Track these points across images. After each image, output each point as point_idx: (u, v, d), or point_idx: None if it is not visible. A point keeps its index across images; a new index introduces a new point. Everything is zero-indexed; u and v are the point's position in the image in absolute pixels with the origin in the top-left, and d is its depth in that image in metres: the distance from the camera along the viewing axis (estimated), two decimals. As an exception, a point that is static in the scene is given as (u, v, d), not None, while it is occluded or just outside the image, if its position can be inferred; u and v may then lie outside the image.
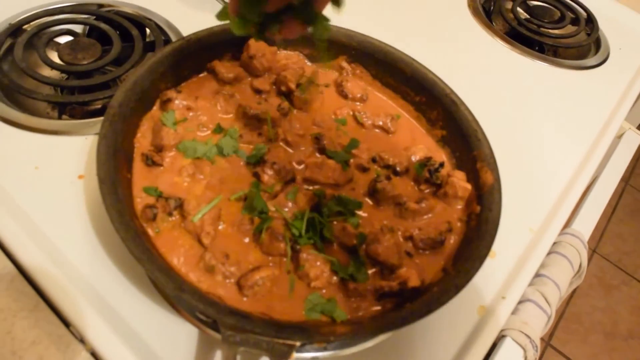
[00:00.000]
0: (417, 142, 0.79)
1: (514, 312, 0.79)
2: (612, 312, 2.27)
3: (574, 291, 2.29)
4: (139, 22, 0.97)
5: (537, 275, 0.88)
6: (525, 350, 0.76)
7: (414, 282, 0.61)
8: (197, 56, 0.79)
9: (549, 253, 0.93)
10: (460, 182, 0.70)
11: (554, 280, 0.87)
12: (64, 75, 0.90)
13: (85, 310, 0.61)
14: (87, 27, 0.98)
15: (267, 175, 0.67)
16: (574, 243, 0.94)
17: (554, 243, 0.94)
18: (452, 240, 0.68)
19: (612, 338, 2.19)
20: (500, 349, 0.74)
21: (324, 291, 0.62)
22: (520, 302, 0.81)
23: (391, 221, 0.69)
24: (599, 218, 1.01)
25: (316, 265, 0.61)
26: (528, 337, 0.76)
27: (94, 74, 0.87)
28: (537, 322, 0.80)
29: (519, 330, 0.76)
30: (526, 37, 1.20)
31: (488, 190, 0.69)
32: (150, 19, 0.98)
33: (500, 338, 0.76)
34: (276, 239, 0.61)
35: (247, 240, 0.64)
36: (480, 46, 1.15)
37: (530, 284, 0.85)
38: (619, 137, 1.21)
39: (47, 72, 0.88)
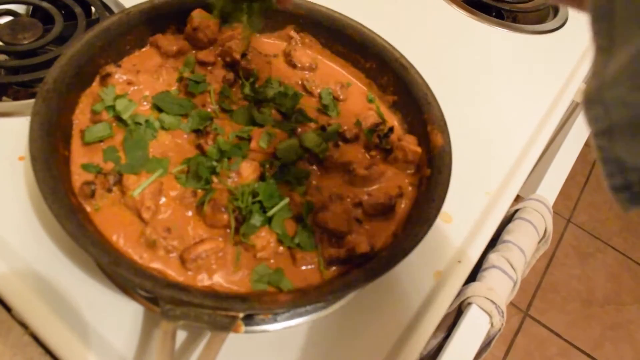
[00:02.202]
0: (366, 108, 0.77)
1: (479, 279, 0.79)
2: (588, 279, 2.30)
3: (550, 260, 2.31)
4: (84, 0, 0.94)
5: (502, 241, 0.87)
6: (491, 317, 0.75)
7: (363, 248, 0.60)
8: (138, 30, 0.76)
9: (514, 219, 0.93)
10: (410, 145, 0.69)
11: (519, 246, 0.86)
12: (3, 56, 0.86)
13: (24, 294, 0.60)
14: (30, 7, 0.94)
15: (209, 145, 0.65)
16: (539, 208, 0.94)
17: (519, 209, 0.94)
18: (404, 205, 0.67)
19: (588, 305, 2.21)
20: (466, 317, 0.73)
21: (271, 261, 0.60)
22: (485, 269, 0.80)
23: (341, 188, 0.67)
24: (573, 188, 1.01)
25: (261, 235, 0.60)
26: (494, 303, 0.76)
27: (36, 53, 0.84)
28: (502, 288, 0.79)
29: (484, 297, 0.76)
30: (484, 3, 1.19)
31: (438, 152, 0.68)
32: (95, -3, 0.95)
33: (466, 305, 0.75)
34: (219, 211, 0.60)
35: (190, 213, 0.62)
36: (438, 14, 1.14)
37: (495, 250, 0.85)
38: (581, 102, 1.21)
39: (-14, 54, 0.86)
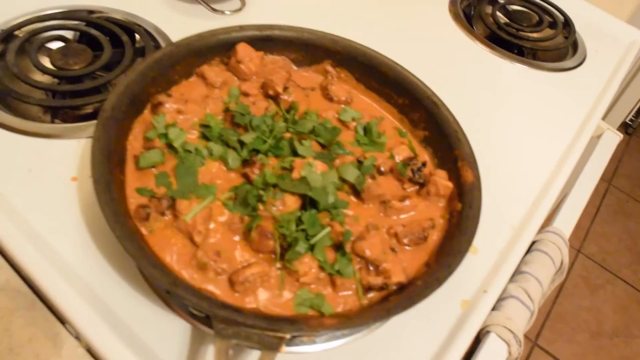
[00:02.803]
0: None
1: (497, 308, 0.82)
2: (598, 311, 2.31)
3: (559, 291, 2.33)
4: (129, 28, 0.99)
5: (520, 272, 0.90)
6: (509, 345, 0.78)
7: (398, 276, 0.64)
8: (186, 61, 0.81)
9: (531, 250, 0.96)
10: (442, 180, 0.73)
11: (536, 277, 0.89)
12: (55, 80, 0.91)
13: (80, 308, 0.63)
14: (78, 33, 0.99)
15: (256, 175, 0.69)
16: (555, 240, 0.97)
17: (536, 241, 0.97)
18: (435, 237, 0.71)
19: (597, 337, 2.22)
20: (485, 345, 0.76)
21: (312, 286, 0.64)
22: (503, 299, 0.83)
23: (376, 218, 0.71)
24: (583, 219, 1.04)
25: (304, 261, 0.63)
26: (512, 332, 0.79)
27: (85, 79, 0.89)
28: (520, 318, 0.82)
29: (502, 326, 0.79)
30: (506, 40, 1.24)
31: (469, 188, 0.72)
32: (139, 25, 1.00)
33: (484, 334, 0.78)
34: (265, 237, 0.64)
35: (237, 238, 0.66)
36: (461, 50, 1.18)
37: (513, 281, 0.88)
38: (598, 137, 1.25)
39: (38, 77, 0.90)
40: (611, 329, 2.25)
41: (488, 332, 0.78)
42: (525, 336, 2.10)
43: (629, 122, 3.08)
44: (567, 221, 1.02)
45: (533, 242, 0.97)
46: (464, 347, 0.69)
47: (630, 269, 2.48)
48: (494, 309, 0.82)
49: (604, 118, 1.17)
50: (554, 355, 2.12)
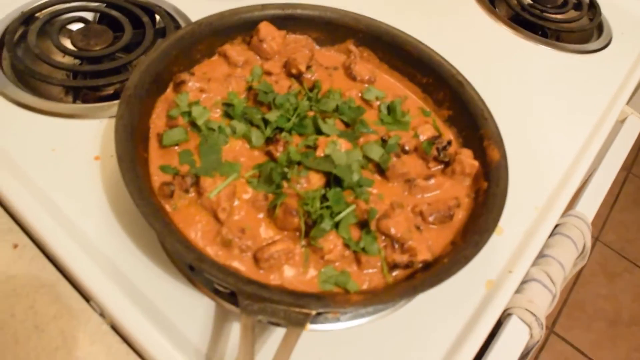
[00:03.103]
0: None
1: (519, 291, 0.81)
2: (615, 299, 2.29)
3: (576, 278, 2.31)
4: (149, 8, 0.98)
5: (542, 255, 0.89)
6: (531, 328, 0.77)
7: (424, 255, 0.63)
8: (208, 40, 0.80)
9: (554, 234, 0.95)
10: (467, 159, 0.72)
11: (559, 260, 0.88)
12: (77, 61, 0.91)
13: (104, 285, 0.63)
14: (98, 15, 0.99)
15: (280, 152, 0.69)
16: (578, 224, 0.96)
17: (558, 225, 0.96)
18: (460, 216, 0.70)
19: (615, 325, 2.21)
20: (507, 327, 0.75)
21: (337, 264, 0.63)
22: (525, 282, 0.82)
23: (400, 197, 0.71)
24: (602, 207, 1.03)
25: (329, 239, 0.63)
26: (534, 315, 0.78)
27: (105, 59, 0.89)
28: (542, 301, 0.82)
29: (524, 309, 0.78)
30: (529, 22, 1.22)
31: (495, 166, 0.71)
32: (159, 6, 1.00)
33: (506, 316, 0.78)
34: (290, 214, 0.63)
35: (261, 215, 0.66)
36: (484, 31, 1.17)
37: (536, 264, 0.87)
38: (622, 121, 1.23)
39: (60, 58, 0.90)
40: (629, 317, 2.23)
41: (510, 314, 0.78)
42: (543, 323, 2.10)
43: (651, 109, 3.03)
44: (590, 205, 1.01)
45: (556, 226, 0.96)
46: (488, 327, 0.68)
47: (649, 257, 2.45)
48: (516, 291, 0.81)
49: (628, 102, 1.15)
50: (570, 342, 2.11)
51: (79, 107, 0.82)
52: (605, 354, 2.11)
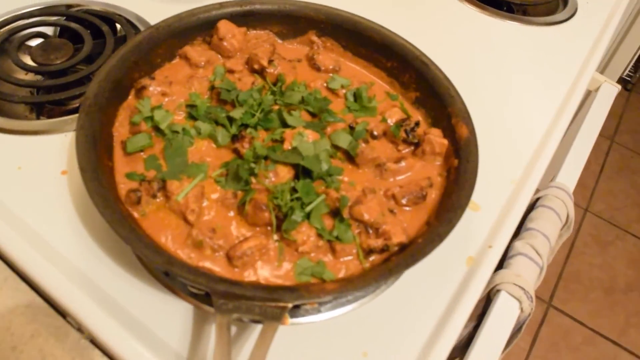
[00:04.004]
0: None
1: (505, 267, 0.81)
2: (610, 267, 2.31)
3: (570, 251, 2.32)
4: (109, 18, 0.97)
5: (526, 229, 0.89)
6: (520, 302, 0.77)
7: (398, 237, 0.63)
8: (167, 43, 0.80)
9: (536, 207, 0.95)
10: (437, 138, 0.72)
11: (543, 232, 0.88)
12: (39, 77, 0.90)
13: (79, 300, 0.62)
14: (58, 28, 0.98)
15: (246, 149, 0.68)
16: (560, 195, 0.96)
17: (540, 197, 0.96)
18: (434, 195, 0.70)
19: (611, 293, 2.22)
20: (496, 303, 0.75)
21: (312, 255, 0.63)
22: (511, 257, 0.82)
23: (372, 182, 0.70)
24: (589, 177, 1.03)
25: (301, 230, 0.62)
26: (522, 289, 0.78)
27: (67, 72, 0.87)
28: (529, 274, 0.81)
29: (513, 283, 0.78)
30: (494, -2, 1.22)
31: (464, 143, 0.70)
32: (120, 15, 0.99)
33: (495, 293, 0.77)
34: (260, 210, 0.62)
35: (232, 214, 0.65)
36: (449, 12, 1.16)
37: (520, 238, 0.87)
38: (596, 90, 1.23)
39: (22, 75, 0.89)
40: (624, 284, 2.25)
41: (499, 290, 0.78)
42: (539, 297, 2.11)
43: (627, 78, 3.05)
44: (571, 175, 1.02)
45: (537, 199, 0.96)
46: (471, 304, 0.68)
47: (639, 223, 2.46)
48: (503, 267, 0.81)
49: (603, 71, 1.15)
50: (569, 314, 2.12)
51: (43, 122, 0.80)
52: (604, 322, 2.12)
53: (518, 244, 0.85)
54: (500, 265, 0.80)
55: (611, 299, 2.19)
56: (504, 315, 0.75)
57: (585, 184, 2.57)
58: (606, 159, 2.71)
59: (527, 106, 0.96)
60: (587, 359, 2.02)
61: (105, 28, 0.94)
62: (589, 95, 1.28)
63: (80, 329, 0.63)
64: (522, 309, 0.78)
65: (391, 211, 0.67)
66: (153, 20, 0.97)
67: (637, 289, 2.23)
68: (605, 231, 2.43)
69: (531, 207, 0.95)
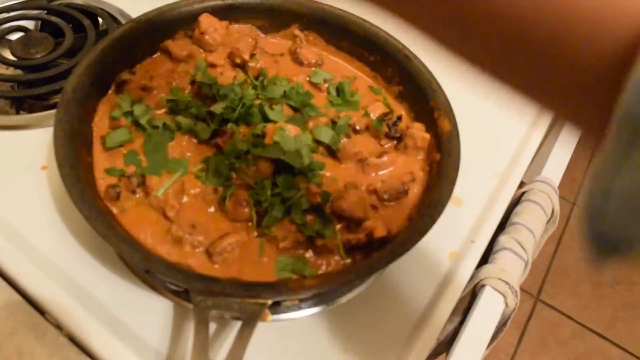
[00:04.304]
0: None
1: (490, 262, 0.81)
2: (597, 261, 2.31)
3: (557, 244, 2.33)
4: (91, 12, 0.96)
5: (511, 223, 0.89)
6: (505, 297, 0.77)
7: (380, 232, 0.62)
8: (149, 37, 0.79)
9: (521, 201, 0.94)
10: (419, 132, 0.71)
11: (528, 227, 0.88)
12: (19, 71, 0.89)
13: (58, 297, 0.62)
14: (39, 22, 0.97)
15: (226, 144, 0.67)
16: (545, 189, 0.95)
17: (525, 191, 0.96)
18: (416, 190, 0.69)
19: (599, 286, 2.23)
20: (481, 298, 0.75)
21: (293, 251, 0.62)
22: (496, 252, 0.82)
23: (354, 177, 0.70)
24: (577, 171, 1.03)
25: (283, 226, 0.62)
26: (507, 283, 0.78)
27: (47, 67, 0.86)
28: (514, 269, 0.81)
29: (497, 278, 0.78)
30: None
31: (446, 137, 0.70)
32: (102, 9, 0.97)
33: (480, 288, 0.77)
34: (241, 205, 0.62)
35: (212, 209, 0.64)
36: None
37: (505, 233, 0.86)
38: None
39: (2, 70, 0.88)
40: (612, 277, 2.25)
41: (483, 285, 0.77)
42: (527, 292, 2.12)
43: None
44: (556, 169, 1.01)
45: (523, 193, 0.96)
46: (454, 299, 0.68)
47: (627, 216, 2.47)
48: (487, 262, 0.81)
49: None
50: (557, 308, 2.13)
51: (23, 117, 0.79)
52: (592, 315, 2.13)
53: (503, 239, 0.85)
54: (485, 260, 0.80)
55: (599, 293, 2.20)
56: (489, 310, 0.75)
57: (574, 178, 2.57)
58: (594, 153, 2.71)
59: (511, 99, 0.96)
60: (576, 352, 2.03)
61: (87, 22, 0.93)
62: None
63: (59, 326, 0.62)
64: (507, 304, 0.78)
65: (373, 206, 0.67)
66: (136, 14, 0.96)
67: (625, 282, 2.24)
68: (593, 225, 2.44)
69: (516, 202, 0.94)
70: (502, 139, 0.88)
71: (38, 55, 0.87)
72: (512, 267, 0.81)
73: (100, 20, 0.96)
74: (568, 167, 1.03)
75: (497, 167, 0.83)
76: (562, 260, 2.28)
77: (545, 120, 0.93)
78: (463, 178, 0.68)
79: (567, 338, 2.06)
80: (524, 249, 0.85)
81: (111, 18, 0.96)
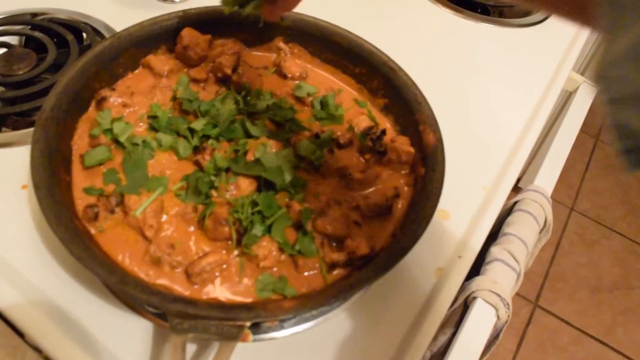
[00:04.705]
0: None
1: (482, 273, 0.80)
2: (595, 266, 2.30)
3: (555, 250, 2.31)
4: (75, 27, 0.95)
5: (503, 234, 0.88)
6: (497, 309, 0.76)
7: (363, 250, 0.61)
8: (129, 52, 0.78)
9: (513, 211, 0.93)
10: (403, 146, 0.70)
11: (520, 237, 0.87)
12: (1, 88, 0.88)
13: (37, 319, 0.61)
14: (24, 38, 0.96)
15: (207, 161, 0.66)
16: (537, 199, 0.94)
17: (518, 201, 0.95)
18: (400, 205, 0.68)
19: (597, 292, 2.21)
20: (472, 311, 0.74)
21: (274, 270, 0.61)
22: (488, 263, 0.81)
23: (338, 193, 0.69)
24: (574, 176, 1.02)
25: (263, 245, 0.61)
26: (498, 295, 0.77)
27: (30, 83, 0.85)
28: (506, 280, 0.80)
29: (488, 290, 0.77)
30: (469, 1, 1.21)
31: (431, 151, 0.69)
32: (86, 23, 0.97)
33: (471, 300, 0.76)
34: (220, 224, 0.61)
35: (192, 228, 0.63)
36: (423, 14, 1.15)
37: (496, 244, 0.85)
38: (575, 91, 1.22)
39: (-15, 87, 0.87)
40: (610, 282, 2.24)
41: (475, 297, 0.76)
42: (525, 298, 2.10)
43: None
44: (549, 178, 1.00)
45: (515, 203, 0.95)
46: (440, 315, 0.67)
47: (625, 221, 2.46)
48: (479, 274, 0.80)
49: (583, 72, 1.15)
50: (555, 314, 2.11)
51: (5, 135, 0.79)
52: (591, 321, 2.11)
53: (495, 250, 0.84)
54: (477, 271, 0.79)
55: (597, 298, 2.19)
56: (480, 323, 0.74)
57: (571, 182, 2.56)
58: (591, 157, 2.70)
59: (501, 109, 0.95)
60: (575, 359, 2.02)
61: (70, 37, 0.92)
62: (569, 96, 1.28)
63: (37, 349, 0.61)
64: (498, 316, 0.77)
65: (356, 223, 0.65)
66: (120, 27, 0.96)
67: (623, 288, 2.23)
68: (591, 230, 2.42)
69: (508, 212, 0.93)
70: (491, 149, 0.87)
71: (21, 72, 0.86)
72: (503, 279, 0.80)
73: (84, 35, 0.96)
74: (564, 172, 1.02)
75: (485, 179, 0.82)
76: (560, 266, 2.27)
77: (535, 130, 0.92)
78: (450, 191, 0.67)
79: (566, 344, 2.05)
80: (516, 260, 0.84)
81: (95, 33, 0.95)
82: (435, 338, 0.71)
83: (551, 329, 2.08)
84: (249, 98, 0.76)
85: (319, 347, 0.63)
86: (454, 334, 0.77)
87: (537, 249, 1.06)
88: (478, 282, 0.77)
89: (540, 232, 0.97)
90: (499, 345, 0.87)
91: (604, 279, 2.25)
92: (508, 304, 0.78)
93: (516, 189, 0.93)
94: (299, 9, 0.83)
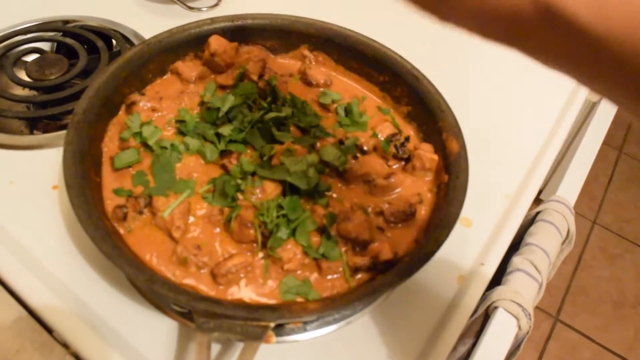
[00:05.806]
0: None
1: (504, 283, 0.80)
2: (618, 281, 2.27)
3: (577, 264, 2.29)
4: (105, 34, 0.98)
5: (525, 244, 0.88)
6: (518, 319, 0.76)
7: (386, 255, 0.62)
8: (158, 59, 0.80)
9: (536, 221, 0.93)
10: (427, 153, 0.71)
11: (543, 248, 0.87)
12: (34, 92, 0.91)
13: (66, 315, 0.62)
14: (55, 44, 0.99)
15: (233, 165, 0.68)
16: (560, 209, 0.94)
17: (540, 211, 0.94)
18: (423, 212, 0.69)
19: (620, 307, 2.18)
20: (493, 321, 0.74)
21: (298, 273, 0.62)
22: (509, 273, 0.81)
23: (362, 199, 0.69)
24: (597, 189, 1.02)
25: (287, 248, 0.62)
26: (520, 305, 0.77)
27: (61, 87, 0.88)
28: (528, 291, 0.80)
29: (510, 300, 0.76)
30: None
31: (454, 158, 0.69)
32: (115, 30, 0.99)
33: (492, 309, 0.76)
34: (246, 227, 0.62)
35: (218, 230, 0.64)
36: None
37: (518, 254, 0.85)
38: (598, 102, 1.22)
39: (19, 91, 0.89)
40: (633, 297, 2.21)
41: (496, 307, 0.76)
42: (546, 312, 2.08)
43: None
44: (572, 189, 1.00)
45: (537, 213, 0.95)
46: (462, 323, 0.67)
47: (648, 235, 2.43)
48: (501, 283, 0.79)
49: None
50: (577, 329, 2.08)
51: (37, 137, 0.81)
52: (613, 337, 2.08)
53: (516, 260, 0.84)
54: (498, 281, 0.79)
55: (620, 313, 2.16)
56: (501, 333, 0.74)
57: (594, 195, 2.54)
58: (614, 169, 2.67)
59: (524, 119, 0.95)
60: (596, 374, 1.99)
61: (100, 43, 0.94)
62: (593, 107, 1.27)
63: (65, 344, 0.62)
64: (519, 327, 0.76)
65: (379, 228, 0.66)
66: (149, 35, 0.98)
67: (647, 303, 2.20)
68: (613, 244, 2.39)
69: (531, 222, 0.93)
70: (514, 158, 0.87)
71: (52, 77, 0.89)
72: (525, 289, 0.79)
73: (114, 41, 0.98)
74: (587, 185, 1.01)
75: (509, 187, 0.82)
76: (582, 280, 2.25)
77: (559, 139, 0.91)
78: (473, 199, 0.67)
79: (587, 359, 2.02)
80: (538, 270, 0.83)
81: (124, 39, 0.97)
82: (454, 349, 0.71)
83: (572, 343, 2.05)
84: (274, 105, 0.77)
85: (340, 351, 0.63)
86: (473, 345, 0.77)
87: (560, 260, 1.06)
88: (499, 292, 0.77)
89: (562, 243, 0.97)
90: (519, 359, 0.87)
91: (626, 294, 2.22)
92: (530, 315, 0.78)
93: (537, 201, 0.93)
94: (324, 16, 0.85)
